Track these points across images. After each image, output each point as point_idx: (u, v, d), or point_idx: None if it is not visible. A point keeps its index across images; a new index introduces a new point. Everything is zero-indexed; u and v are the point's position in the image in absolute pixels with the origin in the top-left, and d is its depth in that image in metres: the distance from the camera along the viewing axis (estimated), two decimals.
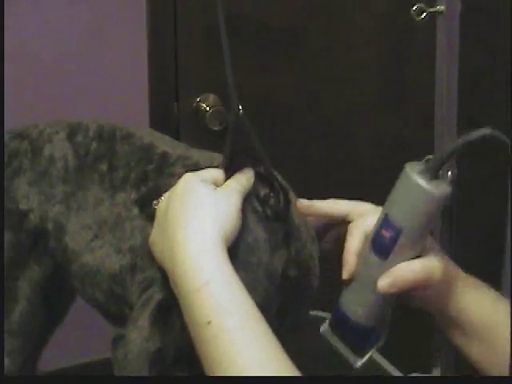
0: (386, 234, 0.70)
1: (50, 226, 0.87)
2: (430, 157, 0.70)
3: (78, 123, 0.90)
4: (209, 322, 0.67)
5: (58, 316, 0.98)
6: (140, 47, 1.53)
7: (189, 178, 0.76)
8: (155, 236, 0.76)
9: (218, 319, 0.67)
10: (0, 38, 1.06)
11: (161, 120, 1.56)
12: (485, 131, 0.65)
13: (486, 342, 0.77)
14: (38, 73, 1.47)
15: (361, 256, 0.74)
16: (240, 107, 0.78)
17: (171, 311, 0.75)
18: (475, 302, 0.77)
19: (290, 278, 0.79)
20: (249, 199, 0.78)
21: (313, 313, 0.95)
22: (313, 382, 0.65)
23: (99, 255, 0.84)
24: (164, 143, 0.87)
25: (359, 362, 0.78)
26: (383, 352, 1.22)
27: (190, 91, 1.58)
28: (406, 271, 0.72)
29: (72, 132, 0.89)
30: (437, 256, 0.74)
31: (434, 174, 0.68)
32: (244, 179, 0.78)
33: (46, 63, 1.47)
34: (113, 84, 1.53)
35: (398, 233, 0.70)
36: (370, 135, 1.71)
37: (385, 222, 0.70)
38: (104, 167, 0.86)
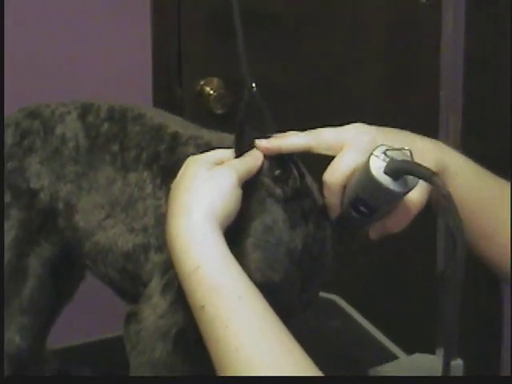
0: (364, 209, 0.74)
1: (60, 205, 0.88)
2: (389, 154, 0.71)
3: (89, 103, 0.91)
4: (202, 307, 0.68)
5: (67, 294, 0.99)
6: (144, 31, 1.53)
7: (189, 160, 0.77)
8: (166, 219, 0.76)
9: (210, 303, 0.68)
10: (0, 38, 1.07)
11: (165, 104, 1.56)
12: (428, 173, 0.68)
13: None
14: (42, 57, 1.47)
15: (343, 202, 0.77)
16: (254, 84, 0.78)
17: None
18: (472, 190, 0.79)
19: (309, 253, 0.80)
20: (264, 182, 0.78)
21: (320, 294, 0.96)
22: (313, 382, 0.65)
23: (111, 234, 0.85)
24: (175, 123, 0.87)
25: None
26: (387, 332, 1.24)
27: (193, 75, 1.58)
28: (391, 226, 0.77)
29: (84, 112, 0.90)
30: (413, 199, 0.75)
31: (396, 177, 0.71)
32: (250, 159, 0.77)
33: (48, 48, 1.48)
34: (116, 68, 1.53)
35: (374, 210, 0.74)
36: (374, 122, 1.71)
37: (360, 201, 0.74)
38: (116, 147, 0.86)
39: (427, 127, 1.30)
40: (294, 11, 1.61)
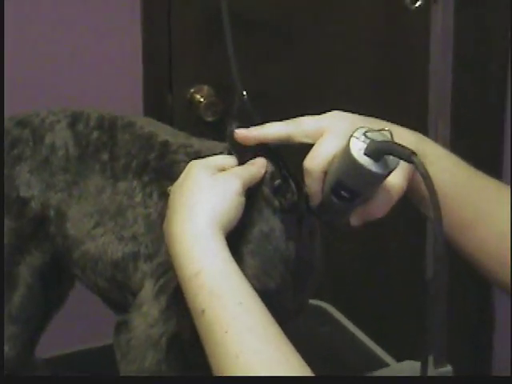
0: (345, 194, 0.73)
1: (51, 213, 0.88)
2: (370, 135, 0.70)
3: (79, 112, 0.91)
4: (203, 311, 0.68)
5: (56, 302, 0.99)
6: (134, 38, 1.53)
7: (192, 164, 0.77)
8: (165, 223, 0.77)
9: (210, 308, 0.68)
10: (0, 38, 1.07)
11: (155, 111, 1.56)
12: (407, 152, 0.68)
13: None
14: (32, 65, 1.47)
15: (324, 189, 0.76)
16: (244, 92, 0.79)
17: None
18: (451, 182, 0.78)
19: (302, 260, 0.80)
20: (264, 192, 0.78)
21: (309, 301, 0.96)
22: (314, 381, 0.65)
23: (101, 243, 0.85)
24: (165, 132, 0.88)
25: None
26: (377, 339, 1.24)
27: (184, 82, 1.58)
28: (373, 211, 0.75)
29: (73, 121, 0.90)
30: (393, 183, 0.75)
31: (377, 157, 0.70)
32: (253, 167, 0.77)
33: (40, 55, 1.47)
34: (107, 75, 1.53)
35: (356, 194, 0.73)
36: None
37: (341, 186, 0.73)
38: (105, 156, 0.87)
39: (416, 130, 1.31)
40: (284, 17, 1.61)
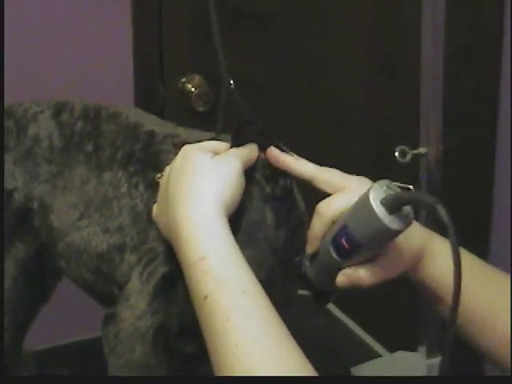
0: (345, 243, 0.72)
1: (34, 205, 0.87)
2: (393, 188, 0.69)
3: (63, 102, 0.90)
4: (205, 297, 0.66)
5: (43, 295, 0.98)
6: (125, 28, 1.52)
7: (187, 148, 0.75)
8: (159, 209, 0.75)
9: (213, 295, 0.66)
10: (0, 37, 1.06)
11: (146, 101, 1.56)
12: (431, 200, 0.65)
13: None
14: (22, 56, 1.46)
15: (324, 240, 0.75)
16: (231, 81, 0.78)
17: (175, 284, 0.75)
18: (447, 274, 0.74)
19: (290, 249, 0.79)
20: (256, 178, 0.77)
21: (302, 292, 0.96)
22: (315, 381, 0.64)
23: (86, 234, 0.84)
24: (151, 122, 0.87)
25: (319, 306, 0.82)
26: (370, 330, 1.23)
27: (175, 72, 1.57)
28: (361, 276, 0.74)
29: (57, 111, 0.89)
30: (395, 258, 0.74)
31: (393, 209, 0.68)
32: (247, 150, 0.77)
33: (28, 46, 1.46)
34: (97, 65, 1.52)
35: (355, 246, 0.71)
36: (356, 119, 1.71)
37: (344, 232, 0.72)
38: (90, 147, 0.86)
39: (408, 123, 1.31)
40: (278, 8, 1.60)
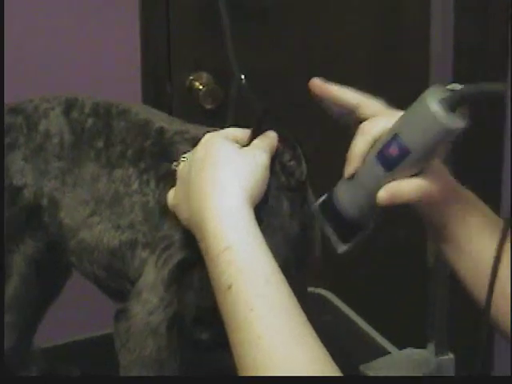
0: (394, 151, 0.71)
1: (44, 201, 0.87)
2: (453, 86, 0.68)
3: (74, 99, 0.90)
4: (229, 287, 0.66)
5: (52, 291, 0.98)
6: (133, 26, 1.52)
7: (211, 137, 0.75)
8: (179, 197, 0.75)
9: (237, 285, 0.66)
10: (0, 37, 1.06)
11: (154, 99, 1.56)
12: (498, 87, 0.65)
13: (473, 261, 0.76)
14: (29, 52, 1.46)
15: (365, 159, 0.74)
16: (242, 76, 0.77)
17: (191, 271, 0.75)
18: (472, 226, 0.76)
19: (303, 244, 0.80)
20: (273, 168, 0.77)
21: (311, 289, 0.96)
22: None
23: (97, 231, 0.84)
24: (160, 119, 0.87)
25: (342, 248, 0.79)
26: (378, 327, 1.23)
27: (183, 70, 1.57)
28: (405, 189, 0.73)
29: (68, 108, 0.89)
30: (438, 178, 0.74)
31: (452, 106, 0.67)
32: (270, 141, 0.77)
33: (36, 43, 1.46)
34: (105, 62, 1.52)
35: (405, 153, 0.70)
36: None
37: (394, 140, 0.71)
38: (100, 143, 0.86)
39: None
40: (284, 3, 1.60)
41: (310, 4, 1.62)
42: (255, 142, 0.76)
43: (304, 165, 0.78)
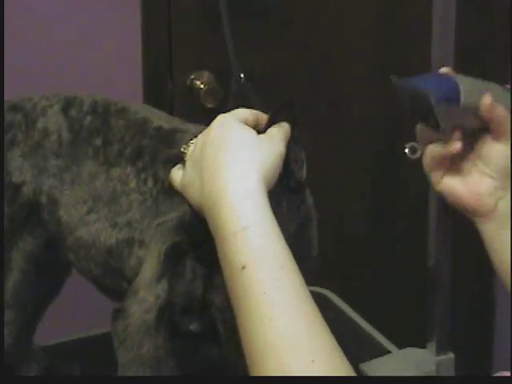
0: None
1: (43, 199, 0.88)
2: None
3: (72, 97, 0.90)
4: (243, 267, 0.66)
5: (52, 289, 0.98)
6: (134, 24, 1.52)
7: (225, 118, 0.74)
8: (189, 177, 0.74)
9: (251, 265, 0.66)
10: (0, 36, 1.06)
11: (155, 97, 1.56)
12: None
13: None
14: (30, 49, 1.46)
15: None
16: (242, 75, 0.77)
17: (184, 258, 0.75)
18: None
19: (299, 246, 0.79)
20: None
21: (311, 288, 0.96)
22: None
23: (94, 229, 0.84)
24: (159, 118, 0.87)
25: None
26: (379, 326, 1.23)
27: (184, 68, 1.57)
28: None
29: (66, 105, 0.89)
30: None
31: None
32: (286, 131, 0.76)
33: (36, 41, 1.47)
34: (106, 61, 1.52)
35: None
36: (367, 115, 1.71)
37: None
38: (98, 142, 0.86)
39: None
40: (286, 2, 1.60)
41: (310, 3, 1.62)
42: (273, 130, 0.76)
43: (305, 167, 0.78)
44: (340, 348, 0.64)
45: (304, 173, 0.79)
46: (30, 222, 0.88)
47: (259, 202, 0.69)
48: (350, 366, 0.63)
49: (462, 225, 0.83)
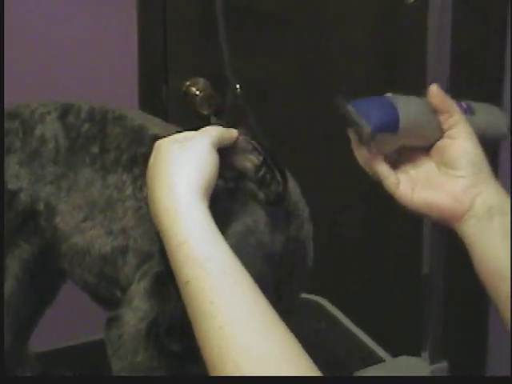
0: (464, 105, 0.85)
1: (40, 206, 0.87)
2: None
3: (70, 104, 0.90)
4: (188, 282, 0.67)
5: (47, 296, 0.98)
6: (130, 30, 1.52)
7: (158, 142, 0.77)
8: (149, 201, 0.76)
9: (195, 278, 0.67)
10: (0, 36, 1.06)
11: (150, 104, 1.56)
12: None
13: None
14: (28, 55, 1.46)
15: None
16: (238, 86, 0.78)
17: (168, 284, 0.75)
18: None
19: (288, 258, 0.79)
20: (248, 186, 0.78)
21: (305, 296, 0.96)
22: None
23: (89, 236, 0.84)
24: (155, 125, 0.87)
25: (369, 129, 0.79)
26: (373, 335, 1.23)
27: (179, 75, 1.57)
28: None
29: (64, 113, 0.89)
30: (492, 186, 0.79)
31: None
32: (223, 129, 0.77)
33: (33, 47, 1.46)
34: (102, 68, 1.52)
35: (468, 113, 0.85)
36: None
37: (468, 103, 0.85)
38: (95, 149, 0.86)
39: None
40: (283, 7, 1.60)
41: (307, 10, 1.62)
42: (202, 129, 0.77)
43: (278, 175, 0.78)
44: (296, 340, 0.64)
45: (280, 181, 0.78)
46: (27, 229, 0.88)
47: (192, 213, 0.70)
48: (310, 360, 0.63)
49: (456, 233, 0.83)
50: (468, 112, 0.84)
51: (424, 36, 1.05)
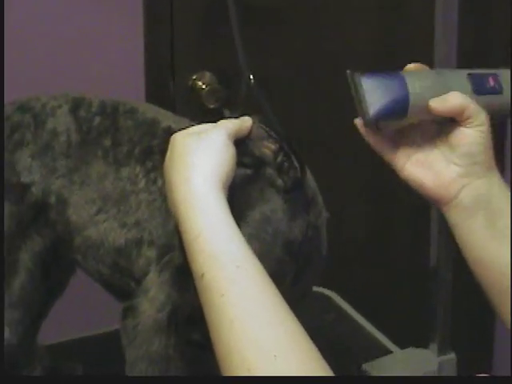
0: (491, 82, 0.80)
1: (52, 199, 0.88)
2: None
3: (80, 97, 0.90)
4: (202, 275, 0.67)
5: (57, 288, 0.99)
6: (136, 25, 1.52)
7: (174, 137, 0.77)
8: (166, 193, 0.77)
9: (209, 272, 0.67)
10: (0, 36, 1.06)
11: (157, 98, 1.55)
12: None
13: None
14: (34, 51, 1.46)
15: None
16: (251, 76, 0.78)
17: (188, 274, 0.76)
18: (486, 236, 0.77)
19: (309, 242, 0.80)
20: (266, 172, 0.78)
21: (314, 289, 0.96)
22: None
23: (103, 229, 0.85)
24: (167, 118, 0.87)
25: (370, 116, 0.78)
26: (381, 327, 1.24)
27: (186, 69, 1.57)
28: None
29: (75, 106, 0.89)
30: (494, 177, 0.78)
31: None
32: (233, 120, 0.77)
33: (39, 42, 1.47)
34: (108, 62, 1.52)
35: (497, 91, 0.80)
36: None
37: (494, 75, 0.80)
38: (107, 142, 0.86)
39: None
40: (289, 3, 1.60)
41: (319, 5, 1.62)
42: (218, 122, 0.77)
43: (295, 161, 0.78)
44: (308, 339, 0.64)
45: (297, 167, 0.78)
46: (38, 222, 0.88)
47: (208, 205, 0.70)
48: (318, 354, 0.63)
49: None
50: (495, 90, 0.80)
51: (425, 36, 1.05)
